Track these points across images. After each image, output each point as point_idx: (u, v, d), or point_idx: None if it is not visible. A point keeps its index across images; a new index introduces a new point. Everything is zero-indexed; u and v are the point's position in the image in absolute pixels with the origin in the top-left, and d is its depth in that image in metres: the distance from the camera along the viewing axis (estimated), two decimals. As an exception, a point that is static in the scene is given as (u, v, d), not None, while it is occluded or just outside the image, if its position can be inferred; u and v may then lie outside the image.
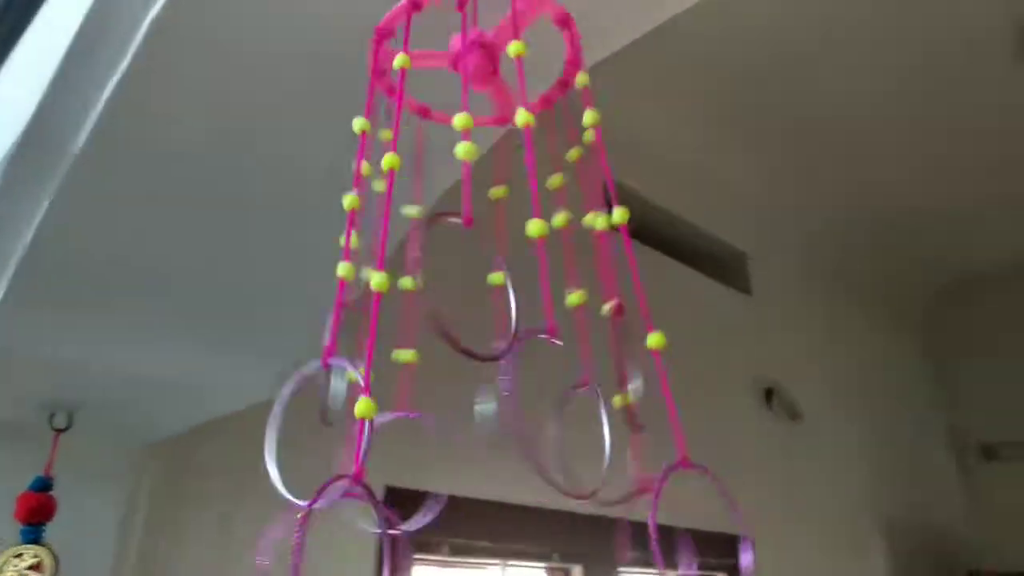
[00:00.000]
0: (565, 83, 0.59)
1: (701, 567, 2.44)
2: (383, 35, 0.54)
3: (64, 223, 0.77)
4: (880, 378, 3.76)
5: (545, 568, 1.97)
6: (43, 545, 0.95)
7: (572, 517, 1.90)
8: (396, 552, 0.52)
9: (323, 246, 0.93)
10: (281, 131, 0.79)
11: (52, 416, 1.01)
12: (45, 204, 0.75)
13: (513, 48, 0.46)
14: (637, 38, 0.78)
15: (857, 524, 3.20)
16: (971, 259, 3.92)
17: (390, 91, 0.54)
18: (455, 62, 0.54)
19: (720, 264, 3.05)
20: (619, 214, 0.47)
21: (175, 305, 0.91)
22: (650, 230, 2.74)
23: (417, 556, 1.68)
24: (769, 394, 2.89)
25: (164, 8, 0.64)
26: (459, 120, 0.46)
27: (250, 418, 1.19)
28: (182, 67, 0.70)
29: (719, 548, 2.42)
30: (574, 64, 0.55)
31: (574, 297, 0.51)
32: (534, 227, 0.45)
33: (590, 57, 0.71)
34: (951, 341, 4.33)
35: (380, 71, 0.55)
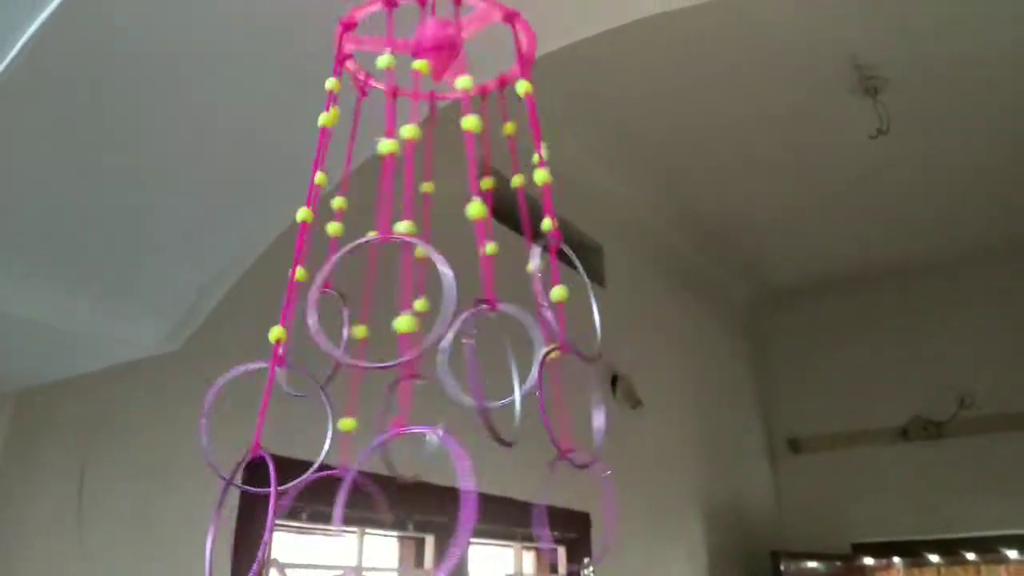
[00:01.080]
0: (503, 81, 0.64)
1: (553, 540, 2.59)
2: (348, 27, 0.57)
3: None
4: (711, 374, 4.08)
5: (399, 537, 2.02)
6: None
7: (426, 488, 1.96)
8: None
9: (221, 213, 0.93)
10: (200, 91, 0.79)
11: (-91, 360, 0.95)
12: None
13: (521, 87, 0.52)
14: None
15: (681, 506, 3.48)
16: (792, 269, 4.34)
17: (357, 80, 0.57)
18: (416, 52, 0.58)
19: (577, 255, 3.19)
20: (476, 207, 0.53)
21: (63, 253, 0.88)
22: (513, 215, 2.83)
23: (278, 523, 1.67)
24: (614, 381, 3.08)
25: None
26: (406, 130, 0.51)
27: (109, 376, 1.16)
28: (112, 11, 0.69)
29: (558, 523, 2.57)
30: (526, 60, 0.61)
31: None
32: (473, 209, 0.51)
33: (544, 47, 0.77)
34: (770, 343, 4.77)
35: (343, 58, 0.58)
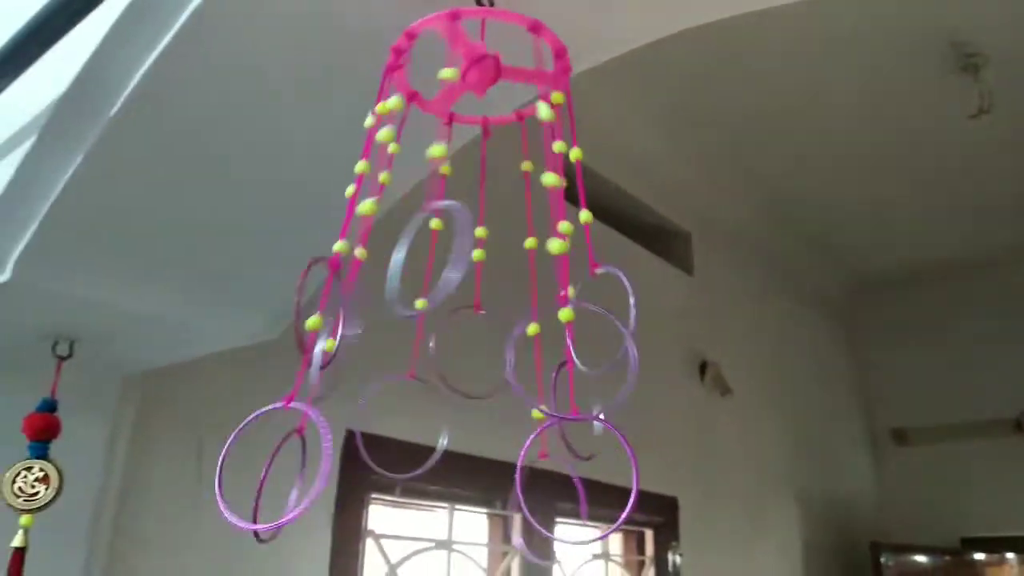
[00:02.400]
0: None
1: (631, 522, 2.64)
2: (411, 36, 0.65)
3: (90, 179, 0.87)
4: (805, 362, 4.01)
5: (487, 514, 2.14)
6: (49, 460, 1.06)
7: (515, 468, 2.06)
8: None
9: (312, 218, 1.05)
10: (287, 112, 0.90)
11: (55, 344, 1.11)
12: (77, 161, 0.85)
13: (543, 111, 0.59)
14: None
15: (774, 495, 3.45)
16: (892, 256, 4.20)
17: (409, 96, 0.66)
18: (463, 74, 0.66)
19: (666, 243, 3.23)
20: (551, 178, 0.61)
21: (177, 254, 1.02)
22: (602, 205, 2.89)
23: (374, 496, 1.82)
24: (703, 369, 3.10)
25: (206, -1, 0.75)
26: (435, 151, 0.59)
27: (231, 357, 1.31)
28: (213, 50, 0.80)
29: (646, 507, 2.62)
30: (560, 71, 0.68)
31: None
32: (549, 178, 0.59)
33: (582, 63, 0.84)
34: (869, 332, 4.63)
35: (395, 67, 0.67)
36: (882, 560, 3.42)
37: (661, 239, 3.19)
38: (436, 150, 0.58)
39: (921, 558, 3.66)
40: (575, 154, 0.63)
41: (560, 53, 0.69)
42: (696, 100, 2.85)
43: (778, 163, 3.28)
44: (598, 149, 2.70)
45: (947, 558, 3.78)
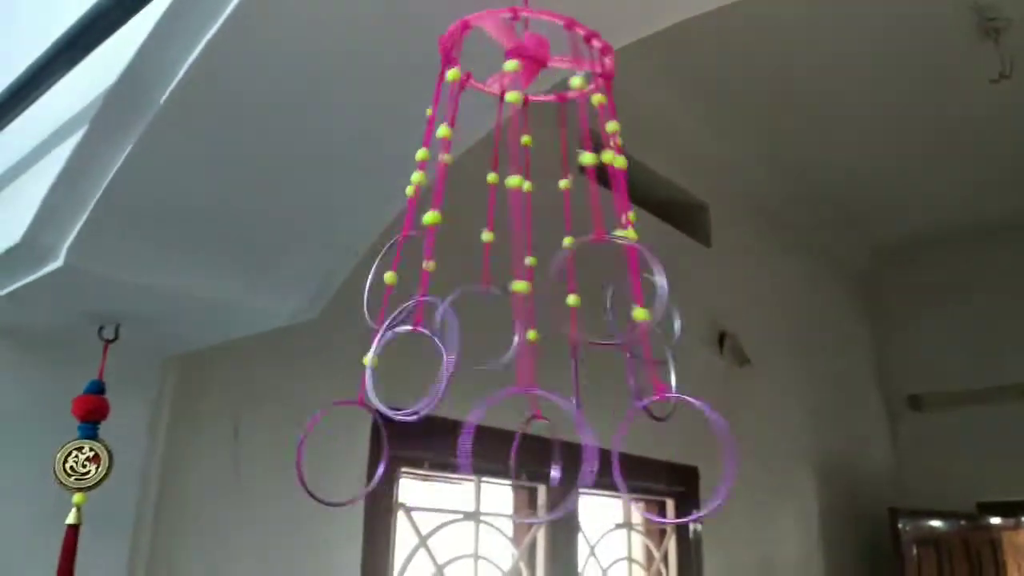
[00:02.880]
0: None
1: (652, 492, 2.68)
2: (466, 26, 0.66)
3: (139, 167, 0.89)
4: (820, 329, 4.02)
5: (512, 485, 2.17)
6: (99, 440, 1.09)
7: (539, 440, 2.10)
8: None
9: (348, 203, 1.06)
10: (330, 100, 0.91)
11: (101, 328, 1.14)
12: (128, 149, 0.87)
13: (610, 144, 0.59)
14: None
15: (792, 463, 3.49)
16: (908, 222, 4.18)
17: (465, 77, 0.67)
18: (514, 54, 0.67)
19: (683, 215, 3.23)
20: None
21: (221, 238, 1.04)
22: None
23: (403, 470, 1.85)
24: (721, 339, 3.11)
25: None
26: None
27: (263, 340, 1.33)
28: (262, 37, 0.82)
29: (667, 477, 2.66)
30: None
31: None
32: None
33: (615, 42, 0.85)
34: (886, 298, 4.63)
35: (450, 59, 0.68)
36: (900, 525, 3.45)
37: (678, 211, 3.19)
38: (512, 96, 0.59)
39: (938, 523, 3.69)
40: (608, 157, 0.65)
41: (605, 51, 0.70)
42: (713, 71, 2.83)
43: (797, 132, 3.26)
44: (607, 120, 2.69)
45: (963, 523, 3.82)
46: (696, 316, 3.05)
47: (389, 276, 0.60)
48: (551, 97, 0.77)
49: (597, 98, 0.65)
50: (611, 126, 0.65)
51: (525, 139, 0.61)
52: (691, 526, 2.75)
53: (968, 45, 2.63)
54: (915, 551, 3.47)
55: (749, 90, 2.96)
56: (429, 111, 0.65)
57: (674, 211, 3.15)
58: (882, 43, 2.68)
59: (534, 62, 0.67)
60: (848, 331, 4.36)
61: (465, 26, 0.66)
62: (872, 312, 4.61)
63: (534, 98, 0.76)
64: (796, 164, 3.53)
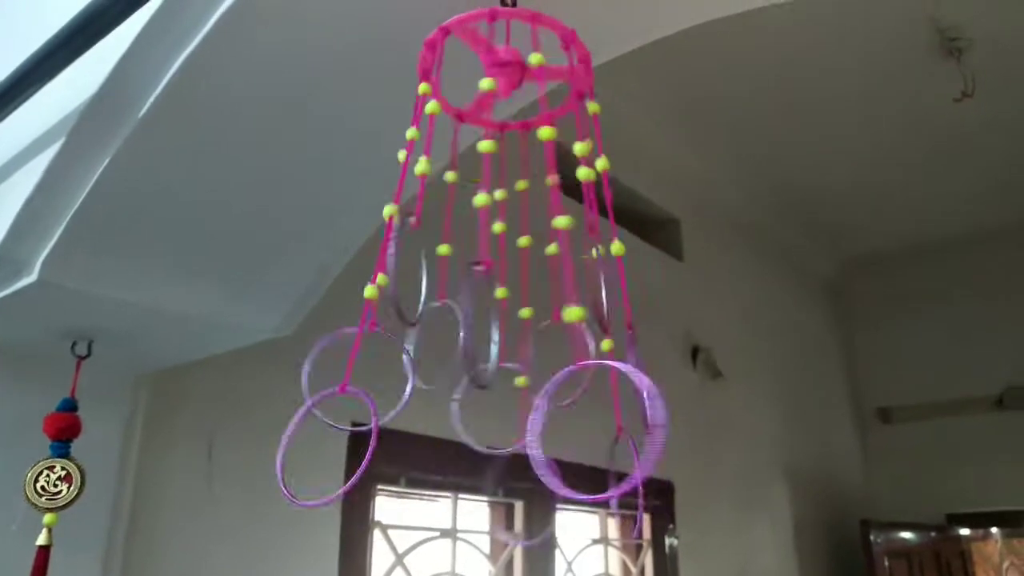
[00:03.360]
0: (579, 95, 0.73)
1: (627, 507, 2.68)
2: (446, 32, 0.67)
3: (116, 181, 0.88)
4: (795, 343, 4.07)
5: (489, 502, 2.16)
6: (71, 459, 1.07)
7: (516, 457, 2.09)
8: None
9: (327, 219, 1.06)
10: (314, 113, 0.91)
11: (74, 344, 1.12)
12: (104, 163, 0.86)
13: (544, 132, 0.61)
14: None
15: (766, 475, 3.51)
16: (877, 234, 4.27)
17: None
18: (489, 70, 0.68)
19: (655, 230, 3.26)
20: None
21: (202, 255, 1.04)
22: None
23: (379, 487, 1.84)
24: (695, 353, 3.14)
25: None
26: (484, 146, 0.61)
27: (236, 356, 1.32)
28: (241, 52, 0.81)
29: (646, 491, 2.66)
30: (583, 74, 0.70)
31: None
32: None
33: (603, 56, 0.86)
34: (855, 312, 4.71)
35: (427, 72, 0.68)
36: (871, 537, 3.49)
37: (650, 226, 3.22)
38: (484, 145, 0.60)
39: (908, 535, 3.74)
40: (602, 164, 0.66)
41: (585, 59, 0.71)
42: (684, 88, 2.88)
43: (767, 148, 3.32)
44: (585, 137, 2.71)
45: (933, 534, 3.87)
46: (669, 331, 3.07)
47: (381, 278, 0.60)
48: (517, 125, 0.77)
49: (545, 132, 0.64)
50: (579, 147, 0.65)
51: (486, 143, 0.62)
52: (667, 541, 2.75)
53: (932, 64, 2.70)
54: (887, 563, 3.51)
55: (720, 106, 3.01)
56: (410, 133, 0.65)
57: (646, 226, 3.18)
58: (850, 61, 2.74)
59: (512, 73, 0.67)
60: (820, 343, 4.41)
61: (445, 32, 0.66)
62: (842, 324, 4.68)
63: (506, 125, 0.77)
64: (767, 178, 3.59)
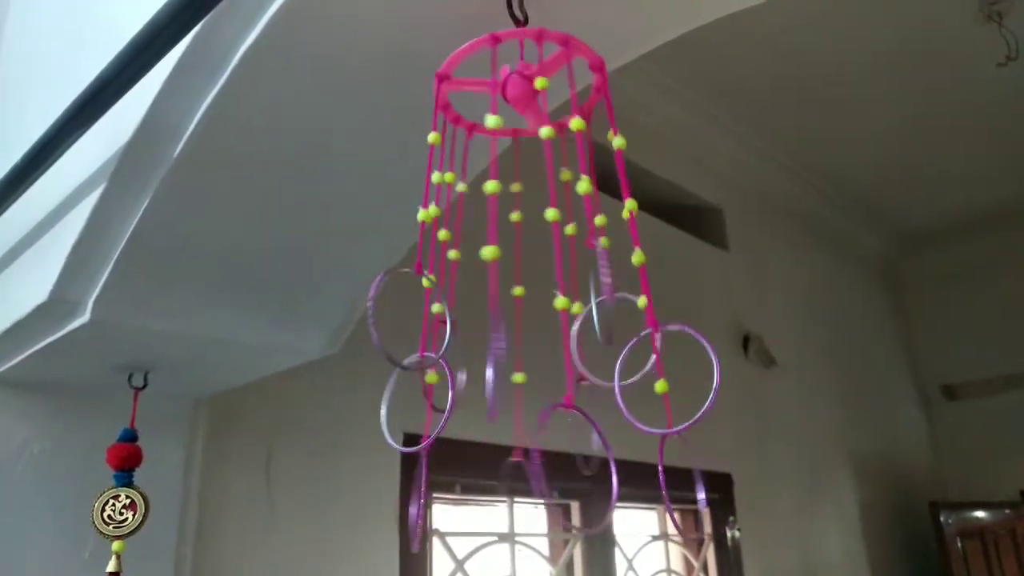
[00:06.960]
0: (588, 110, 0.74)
1: (686, 501, 2.66)
2: (442, 79, 0.68)
3: (158, 218, 0.92)
4: (847, 324, 3.98)
5: (546, 504, 2.17)
6: (134, 487, 1.11)
7: (570, 457, 2.10)
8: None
9: (364, 241, 1.09)
10: (339, 148, 0.93)
11: (131, 376, 1.17)
12: (146, 202, 0.89)
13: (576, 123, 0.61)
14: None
15: (827, 462, 3.45)
16: (928, 210, 4.14)
17: (455, 120, 0.69)
18: (502, 90, 0.69)
19: (698, 221, 3.22)
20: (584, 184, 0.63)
21: (246, 282, 1.07)
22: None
23: (435, 495, 1.86)
24: (746, 342, 3.09)
25: (257, 37, 0.78)
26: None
27: (288, 372, 1.35)
28: (266, 88, 0.84)
29: (705, 484, 2.64)
30: (599, 91, 0.71)
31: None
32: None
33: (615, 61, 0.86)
34: (911, 289, 4.58)
35: (444, 104, 0.70)
36: (942, 519, 3.40)
37: (691, 217, 3.19)
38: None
39: (981, 514, 3.62)
40: (618, 142, 0.66)
41: (597, 66, 0.71)
42: (720, 71, 2.84)
43: (807, 129, 3.26)
44: (621, 131, 2.70)
45: (1008, 512, 3.74)
46: (718, 321, 3.04)
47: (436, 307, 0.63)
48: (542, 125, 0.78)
49: (576, 124, 0.65)
50: (576, 123, 0.66)
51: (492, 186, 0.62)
52: (729, 533, 2.72)
53: (973, 30, 2.62)
54: (960, 544, 3.41)
55: (759, 92, 2.96)
56: (432, 140, 0.66)
57: (687, 216, 3.15)
58: (889, 36, 2.67)
59: (523, 100, 0.68)
60: (876, 324, 4.31)
61: (453, 63, 0.67)
62: (898, 303, 4.56)
63: (525, 133, 0.77)
64: (809, 160, 3.52)
